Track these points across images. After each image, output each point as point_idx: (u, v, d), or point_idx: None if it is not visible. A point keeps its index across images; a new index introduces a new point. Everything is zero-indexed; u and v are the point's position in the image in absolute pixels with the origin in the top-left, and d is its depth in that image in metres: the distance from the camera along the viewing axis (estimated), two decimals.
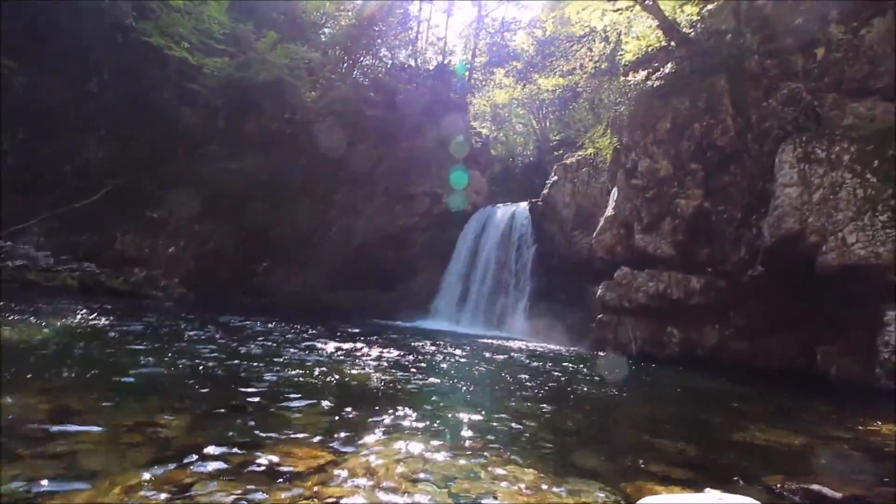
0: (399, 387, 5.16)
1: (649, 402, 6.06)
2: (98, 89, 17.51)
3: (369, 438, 3.34)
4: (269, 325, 10.12)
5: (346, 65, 23.72)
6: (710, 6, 11.87)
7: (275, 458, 2.80)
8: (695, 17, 12.08)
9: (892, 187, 8.17)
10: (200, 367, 5.12)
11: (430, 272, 18.36)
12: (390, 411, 4.08)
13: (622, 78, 13.87)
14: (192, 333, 7.89)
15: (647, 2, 12.19)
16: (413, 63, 24.88)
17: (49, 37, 16.65)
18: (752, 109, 10.41)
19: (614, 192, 13.60)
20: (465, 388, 5.64)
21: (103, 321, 8.17)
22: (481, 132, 23.04)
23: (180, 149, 17.98)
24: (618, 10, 13.24)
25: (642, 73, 12.87)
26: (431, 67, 24.76)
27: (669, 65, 12.18)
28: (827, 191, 8.68)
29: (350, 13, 23.27)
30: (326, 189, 19.46)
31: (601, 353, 11.30)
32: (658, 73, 12.36)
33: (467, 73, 28.18)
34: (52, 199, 15.92)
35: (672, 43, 12.40)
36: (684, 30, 12.17)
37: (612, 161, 14.51)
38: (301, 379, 5.03)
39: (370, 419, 3.79)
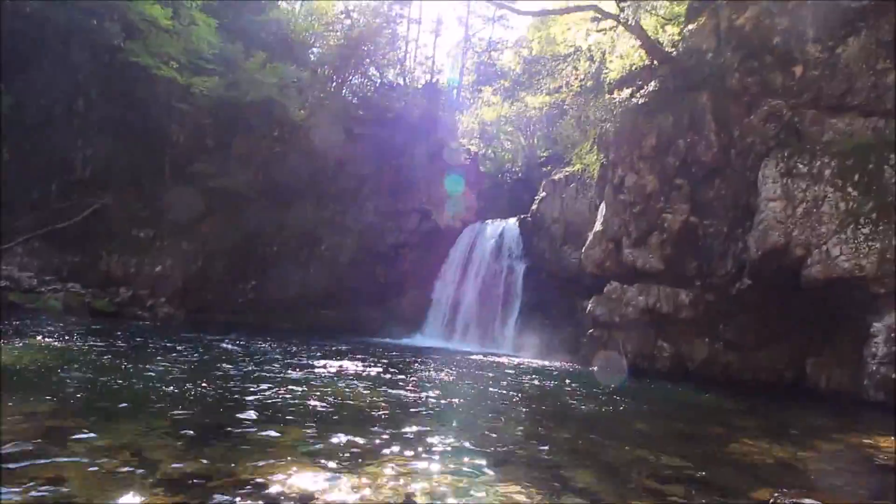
0: (388, 406, 5.09)
1: (642, 418, 6.04)
2: (85, 109, 17.41)
3: (358, 460, 3.27)
4: (258, 345, 9.98)
5: (335, 84, 23.86)
6: (690, 26, 12.17)
7: (263, 483, 2.73)
8: (676, 37, 12.36)
9: (872, 201, 8.34)
10: (187, 389, 5.02)
11: (420, 289, 18.30)
12: (379, 432, 4.02)
13: (607, 96, 14.09)
14: (178, 354, 7.76)
15: (629, 22, 12.47)
16: (402, 82, 25.13)
17: (36, 57, 16.59)
18: (735, 125, 10.61)
19: (602, 208, 13.70)
20: (455, 406, 5.58)
21: (87, 343, 8.00)
22: (470, 149, 23.18)
23: (168, 167, 17.87)
24: (601, 30, 13.53)
25: (627, 91, 13.09)
26: (420, 86, 25.02)
27: (653, 83, 12.40)
28: (810, 204, 8.82)
29: (338, 33, 23.50)
30: (316, 206, 19.42)
31: (592, 368, 11.27)
32: (642, 91, 12.58)
33: (455, 92, 28.52)
34: (37, 218, 15.69)
35: (655, 62, 12.65)
36: (666, 49, 12.44)
37: (599, 177, 14.64)
38: (290, 399, 4.95)
39: (359, 440, 3.73)
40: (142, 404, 4.37)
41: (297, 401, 4.91)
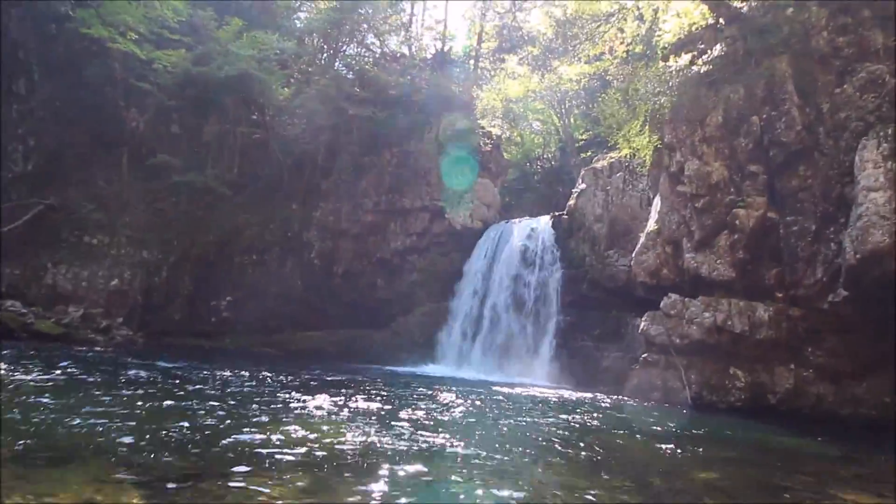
0: (392, 451, 5.06)
1: (709, 465, 5.93)
2: (27, 91, 17.80)
3: None
4: (234, 375, 10.04)
5: (325, 55, 24.08)
6: None
7: None
8: None
9: None
10: (149, 431, 5.05)
11: (432, 305, 18.27)
12: (380, 484, 3.98)
13: (661, 63, 13.99)
14: (138, 387, 7.83)
15: None
16: (406, 51, 25.25)
17: None
18: (823, 97, 10.44)
19: (657, 202, 13.58)
20: (475, 451, 5.53)
21: (27, 373, 8.12)
22: (491, 132, 23.19)
23: (125, 160, 18.17)
24: None
25: (685, 57, 12.97)
26: (429, 56, 25.10)
27: (718, 46, 12.28)
28: None
29: None
30: (303, 206, 19.55)
31: (646, 403, 11.12)
32: (705, 57, 12.46)
33: (472, 62, 28.54)
34: None
35: (721, 20, 12.53)
36: (735, 3, 12.32)
37: (652, 164, 14.53)
38: (270, 442, 4.95)
39: (354, 492, 3.70)
40: (93, 450, 4.39)
41: (277, 445, 4.90)
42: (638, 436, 7.28)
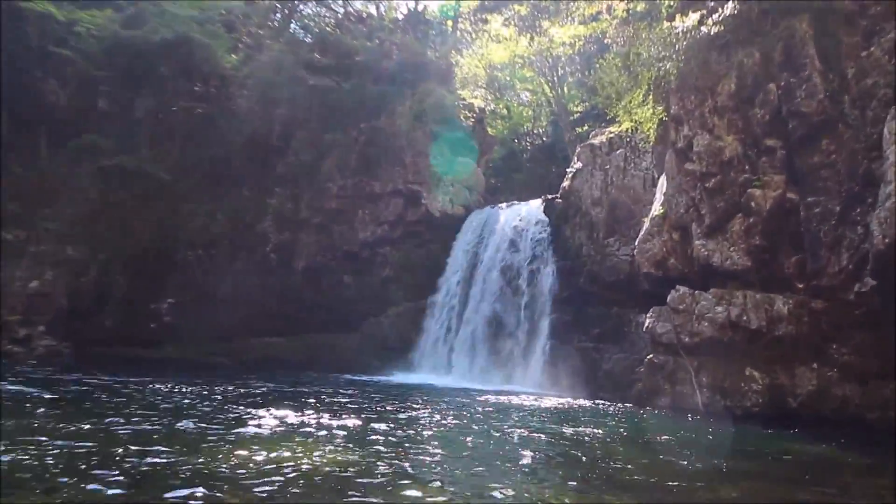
0: (367, 474, 5.05)
1: (728, 479, 6.01)
2: None
3: None
4: (177, 389, 9.94)
5: (279, 16, 23.81)
6: None
7: None
8: None
9: None
10: (80, 458, 4.98)
11: (408, 304, 18.26)
12: None
13: (666, 24, 14.06)
14: (65, 406, 7.71)
15: None
16: (374, 11, 25.07)
17: None
18: (848, 62, 10.56)
19: (662, 183, 13.67)
20: (459, 470, 5.54)
21: None
22: (473, 104, 23.18)
23: (44, 142, 17.80)
24: None
25: (693, 17, 13.04)
26: (400, 16, 24.96)
27: (731, 4, 12.37)
28: None
29: None
30: (256, 192, 19.35)
31: (654, 410, 11.22)
32: (716, 16, 12.54)
33: (450, 24, 28.45)
34: None
35: None
36: None
37: (657, 139, 14.62)
38: (223, 467, 4.91)
39: None
40: (15, 483, 4.32)
41: (230, 469, 4.86)
42: (647, 449, 7.34)
